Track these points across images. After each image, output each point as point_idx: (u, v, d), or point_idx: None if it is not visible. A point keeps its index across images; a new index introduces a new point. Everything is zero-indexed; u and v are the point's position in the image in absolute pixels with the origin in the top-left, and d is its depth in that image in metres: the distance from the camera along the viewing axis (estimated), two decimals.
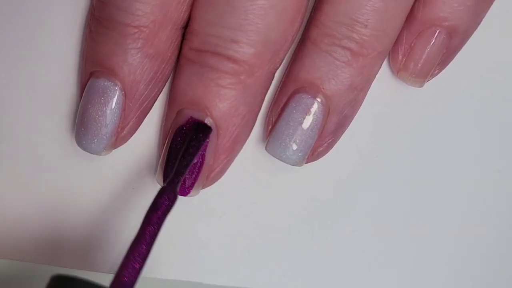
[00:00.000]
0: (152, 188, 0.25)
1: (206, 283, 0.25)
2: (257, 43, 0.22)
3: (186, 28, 0.23)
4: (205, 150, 0.23)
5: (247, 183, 0.25)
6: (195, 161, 0.23)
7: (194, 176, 0.23)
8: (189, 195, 0.23)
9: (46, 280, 0.20)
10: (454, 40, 0.24)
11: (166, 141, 0.23)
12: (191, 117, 0.23)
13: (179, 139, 0.23)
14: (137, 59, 0.22)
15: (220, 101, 0.22)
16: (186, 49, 0.23)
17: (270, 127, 0.24)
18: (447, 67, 0.25)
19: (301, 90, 0.23)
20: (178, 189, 0.21)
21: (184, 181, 0.23)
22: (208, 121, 0.23)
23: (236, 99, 0.23)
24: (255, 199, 0.26)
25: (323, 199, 0.26)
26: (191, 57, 0.23)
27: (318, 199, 0.26)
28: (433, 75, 0.25)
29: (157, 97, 0.24)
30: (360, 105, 0.24)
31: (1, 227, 0.25)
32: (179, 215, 0.25)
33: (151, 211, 0.20)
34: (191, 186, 0.23)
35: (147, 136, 0.25)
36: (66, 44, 0.25)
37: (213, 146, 0.23)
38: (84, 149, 0.23)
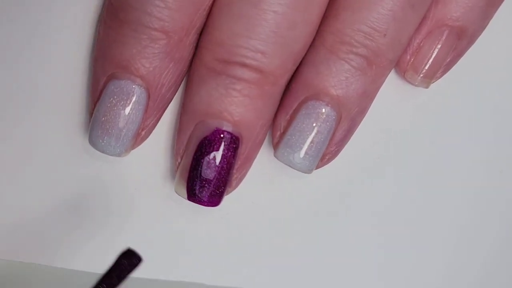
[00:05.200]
0: (156, 189, 0.25)
1: (209, 284, 0.26)
2: (283, 54, 0.22)
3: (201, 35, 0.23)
4: (233, 160, 0.23)
5: (248, 183, 0.25)
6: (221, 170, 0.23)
7: (221, 186, 0.23)
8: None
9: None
10: (462, 41, 0.25)
11: (187, 152, 0.23)
12: (217, 128, 0.23)
13: (203, 150, 0.23)
14: (165, 63, 0.22)
15: (246, 112, 0.23)
16: (210, 59, 0.23)
17: (279, 133, 0.24)
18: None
19: (315, 97, 0.23)
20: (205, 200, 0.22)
21: (207, 190, 0.23)
22: (235, 131, 0.23)
23: (261, 110, 0.23)
24: (256, 200, 0.26)
25: (324, 200, 0.26)
26: (217, 68, 0.22)
27: (319, 200, 0.26)
28: (437, 78, 0.26)
29: (172, 99, 0.24)
30: (367, 112, 0.25)
31: (5, 227, 0.25)
32: (180, 216, 0.25)
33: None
34: (218, 196, 0.23)
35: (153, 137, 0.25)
36: (76, 44, 0.24)
37: (238, 156, 0.23)
38: (103, 151, 0.23)
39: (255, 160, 0.24)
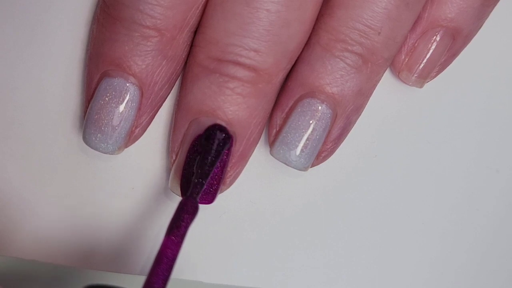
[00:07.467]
0: (152, 187, 0.25)
1: (206, 282, 0.25)
2: (278, 52, 0.22)
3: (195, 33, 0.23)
4: (227, 158, 0.23)
5: (246, 183, 0.25)
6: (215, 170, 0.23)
7: (215, 183, 0.23)
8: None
9: (73, 282, 0.19)
10: (457, 41, 0.25)
11: (181, 150, 0.23)
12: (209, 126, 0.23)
13: (196, 148, 0.23)
14: (158, 61, 0.22)
15: (240, 110, 0.23)
16: (203, 58, 0.23)
17: (275, 131, 0.24)
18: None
19: (310, 94, 0.23)
20: (198, 199, 0.22)
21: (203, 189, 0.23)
22: (229, 130, 0.23)
23: (255, 108, 0.23)
24: (254, 199, 0.26)
25: (322, 199, 0.26)
26: (210, 66, 0.22)
27: (317, 198, 0.26)
28: (431, 77, 0.26)
29: (167, 97, 0.24)
30: (363, 110, 0.25)
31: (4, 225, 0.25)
32: None
33: (173, 227, 0.20)
34: (211, 193, 0.23)
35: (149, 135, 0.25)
36: (72, 43, 0.24)
37: (232, 154, 0.23)
38: (96, 148, 0.23)
39: (252, 159, 0.25)
